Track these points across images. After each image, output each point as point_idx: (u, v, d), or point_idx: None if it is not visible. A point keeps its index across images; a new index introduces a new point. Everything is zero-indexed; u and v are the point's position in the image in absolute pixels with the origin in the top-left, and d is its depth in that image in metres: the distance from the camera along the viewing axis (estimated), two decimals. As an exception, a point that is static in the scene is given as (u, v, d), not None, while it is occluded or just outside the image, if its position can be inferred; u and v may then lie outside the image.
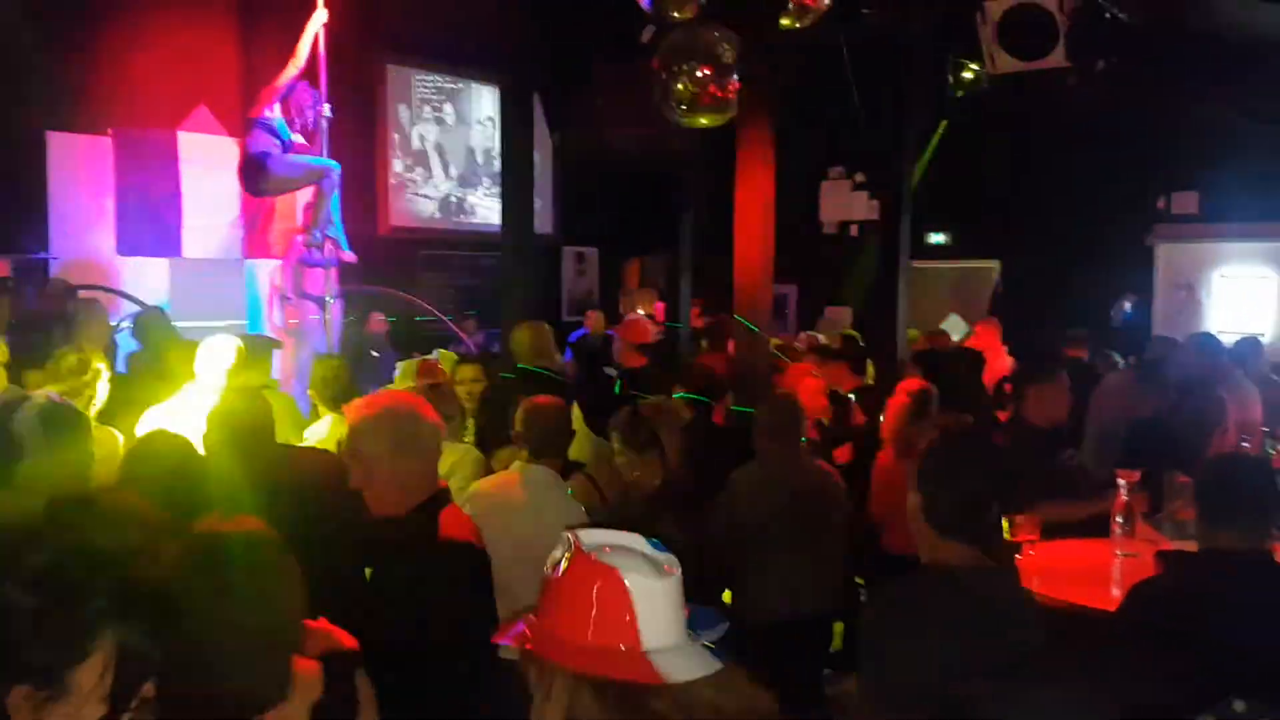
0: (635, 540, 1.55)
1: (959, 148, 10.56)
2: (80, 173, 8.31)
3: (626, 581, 1.46)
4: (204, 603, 1.79)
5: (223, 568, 1.86)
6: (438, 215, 12.35)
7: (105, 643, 1.32)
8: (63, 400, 3.44)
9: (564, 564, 1.50)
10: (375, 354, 9.42)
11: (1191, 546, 4.03)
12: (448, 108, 12.44)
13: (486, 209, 12.52)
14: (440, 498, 2.81)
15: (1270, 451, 5.84)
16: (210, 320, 7.66)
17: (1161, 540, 4.48)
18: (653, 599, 1.47)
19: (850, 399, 6.24)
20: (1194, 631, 2.71)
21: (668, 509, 3.64)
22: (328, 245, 8.62)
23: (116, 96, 8.42)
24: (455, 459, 4.41)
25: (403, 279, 10.98)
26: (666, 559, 1.53)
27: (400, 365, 5.14)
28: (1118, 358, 8.05)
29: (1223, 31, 7.58)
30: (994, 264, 12.21)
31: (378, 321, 9.99)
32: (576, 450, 4.43)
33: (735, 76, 5.71)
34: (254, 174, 7.86)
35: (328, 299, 8.56)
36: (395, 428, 2.72)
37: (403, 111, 11.91)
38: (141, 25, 8.63)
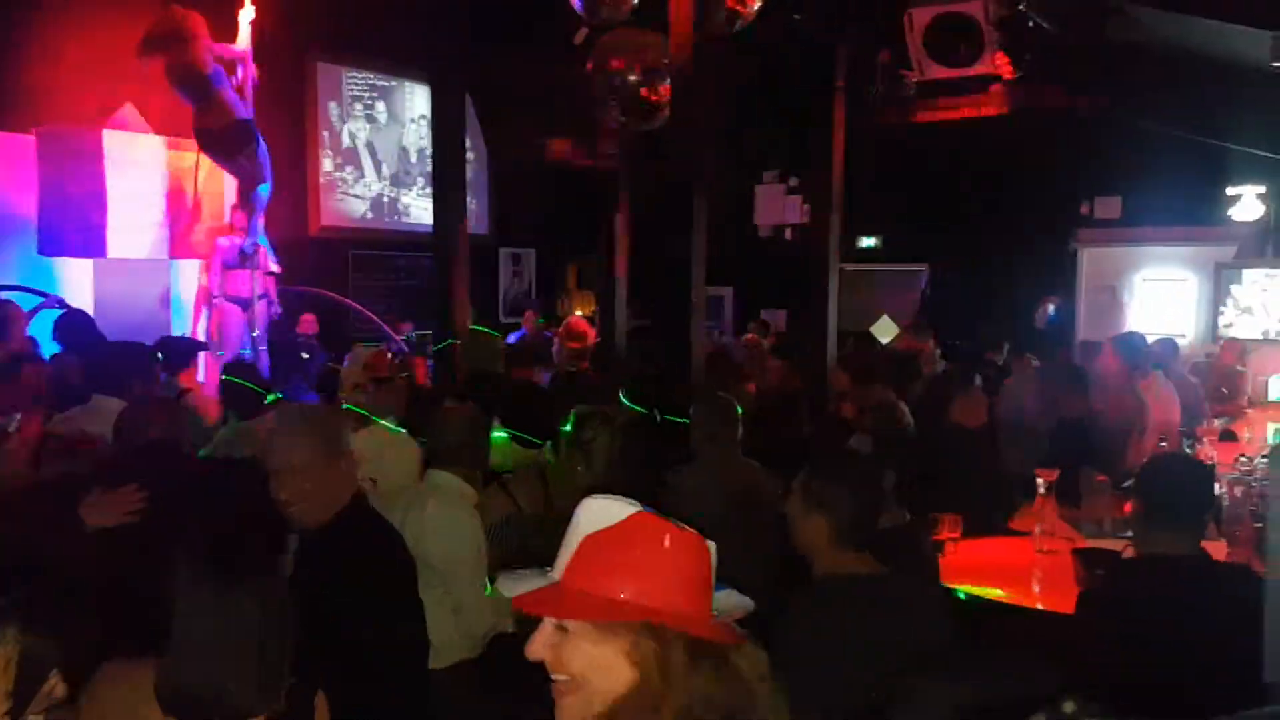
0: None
1: (888, 153, 10.69)
2: (3, 172, 8.12)
3: (711, 552, 1.47)
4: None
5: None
6: (369, 215, 12.19)
7: (7, 641, 1.30)
8: None
9: (624, 530, 1.44)
10: (305, 355, 9.31)
11: (1108, 544, 4.17)
12: (380, 105, 12.28)
13: (420, 209, 12.42)
14: (359, 501, 2.79)
15: (1187, 452, 6.01)
16: (135, 322, 7.54)
17: (1078, 538, 4.60)
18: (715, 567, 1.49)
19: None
20: (1147, 637, 2.76)
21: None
22: (259, 255, 8.56)
23: (40, 94, 8.22)
24: (397, 452, 4.43)
25: (333, 279, 10.88)
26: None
27: (352, 352, 5.08)
28: (1035, 361, 8.21)
29: (1141, 42, 7.77)
30: (922, 268, 12.41)
31: (308, 322, 9.88)
32: (502, 457, 4.42)
33: (667, 79, 5.74)
34: (243, 139, 7.82)
35: (254, 300, 8.46)
36: (324, 434, 2.70)
37: (333, 109, 11.73)
38: (66, 23, 8.43)
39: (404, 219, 12.58)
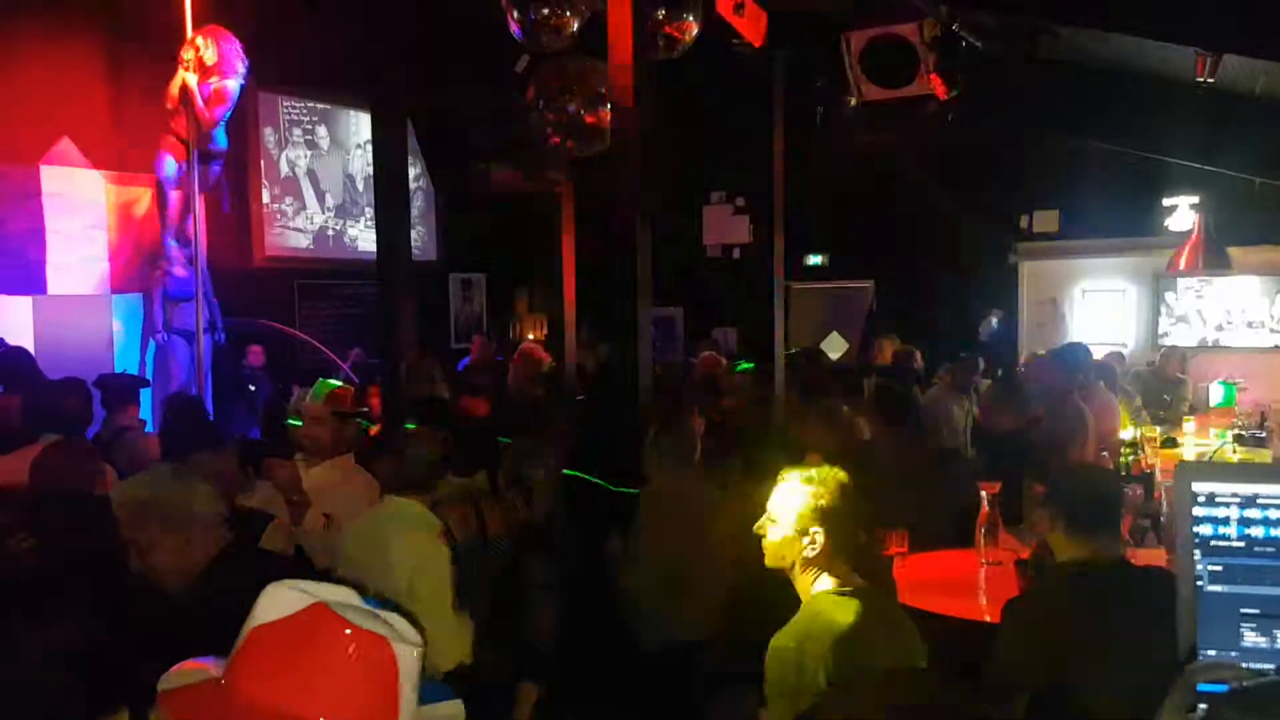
0: (351, 595, 1.34)
1: (832, 172, 10.83)
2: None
3: (396, 653, 1.27)
4: None
5: None
6: (313, 244, 12.03)
7: None
8: None
9: (301, 623, 1.26)
10: (252, 387, 9.23)
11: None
12: (321, 130, 12.11)
13: (367, 236, 12.34)
14: (228, 553, 2.81)
15: (1126, 461, 6.13)
16: (77, 358, 7.42)
17: (1022, 549, 4.66)
18: (411, 672, 1.28)
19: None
20: (1068, 643, 2.80)
21: (532, 549, 3.62)
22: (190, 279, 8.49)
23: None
24: (351, 486, 4.41)
25: (280, 309, 10.78)
26: (395, 618, 1.33)
27: (314, 387, 5.05)
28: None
29: (1073, 59, 7.95)
30: (868, 284, 12.55)
31: (255, 354, 9.79)
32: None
33: (608, 104, 5.78)
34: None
35: (200, 333, 8.36)
36: (160, 510, 2.74)
37: (269, 136, 11.52)
38: (1, 57, 8.34)
39: (349, 246, 12.47)
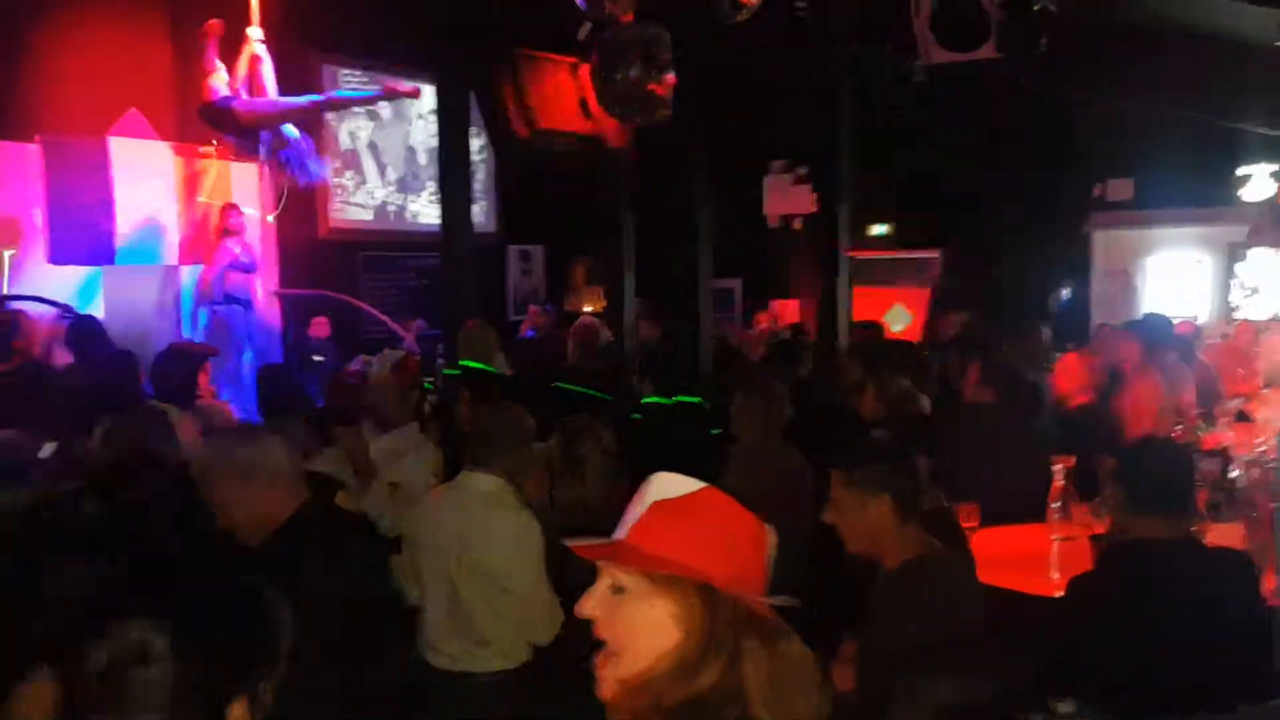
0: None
1: (897, 140, 10.64)
2: (8, 181, 8.14)
3: (769, 533, 1.52)
4: None
5: None
6: (374, 218, 12.10)
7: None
8: None
9: (691, 502, 1.49)
10: (317, 358, 9.33)
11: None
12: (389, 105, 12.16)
13: (427, 211, 12.39)
14: (307, 509, 2.82)
15: (1200, 435, 5.96)
16: (145, 329, 7.55)
17: (1097, 525, 4.55)
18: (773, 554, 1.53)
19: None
20: (1134, 622, 2.74)
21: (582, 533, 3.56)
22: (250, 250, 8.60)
23: (44, 103, 8.25)
24: (417, 455, 4.43)
25: (343, 282, 10.87)
26: None
27: (380, 355, 5.10)
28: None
29: (1149, 21, 7.71)
30: (934, 255, 12.34)
31: (320, 325, 9.88)
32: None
33: (671, 73, 5.71)
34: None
35: (254, 301, 8.48)
36: (235, 465, 2.75)
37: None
38: (69, 30, 8.46)
39: (411, 218, 12.53)
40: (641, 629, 1.45)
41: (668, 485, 1.51)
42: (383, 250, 11.96)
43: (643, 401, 5.60)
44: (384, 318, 10.51)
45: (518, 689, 3.35)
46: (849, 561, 2.84)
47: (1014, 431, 5.08)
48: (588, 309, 13.10)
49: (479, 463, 3.50)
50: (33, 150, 8.05)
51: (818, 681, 1.48)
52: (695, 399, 5.15)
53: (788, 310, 12.10)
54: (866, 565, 2.87)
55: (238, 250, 8.74)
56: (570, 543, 1.54)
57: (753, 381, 5.00)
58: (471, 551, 3.31)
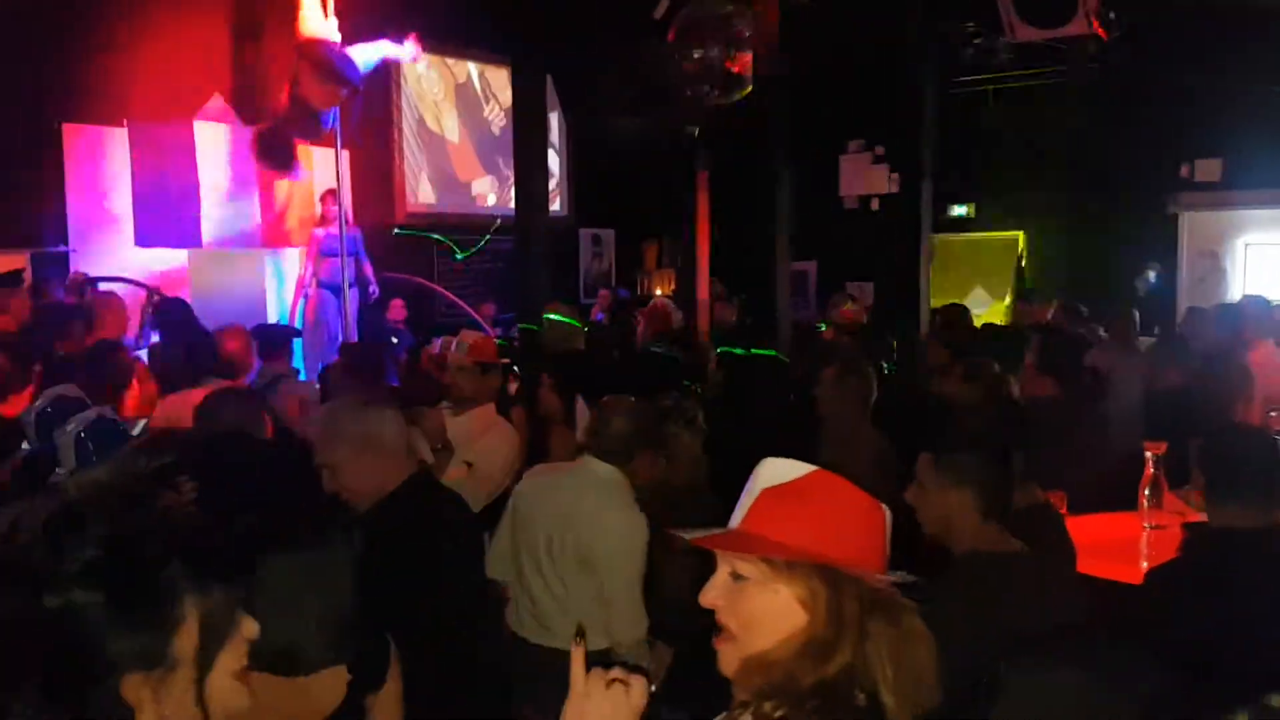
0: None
1: (979, 118, 10.44)
2: (97, 165, 8.32)
3: (885, 514, 1.51)
4: None
5: None
6: (443, 200, 12.20)
7: (191, 606, 1.30)
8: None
9: (803, 486, 1.48)
10: (395, 340, 9.44)
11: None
12: (453, 85, 12.21)
13: (496, 192, 12.46)
14: (416, 480, 2.92)
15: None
16: (230, 311, 7.67)
17: (1189, 512, 4.42)
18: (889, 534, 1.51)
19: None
20: (1213, 615, 2.66)
21: (669, 513, 3.55)
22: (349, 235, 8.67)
23: (131, 87, 8.42)
24: (494, 436, 4.46)
25: (418, 265, 10.98)
26: None
27: (460, 336, 5.14)
28: (1102, 332, 7.90)
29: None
30: (1017, 235, 12.09)
31: (396, 308, 10.00)
32: (582, 432, 4.38)
33: (749, 49, 5.64)
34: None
35: (346, 287, 8.56)
36: (352, 436, 2.85)
37: (413, 95, 11.74)
38: (155, 16, 8.63)
39: (484, 203, 12.62)
40: (766, 615, 1.45)
41: (777, 471, 1.50)
42: (456, 234, 12.06)
43: (719, 351, 5.56)
44: (458, 301, 10.61)
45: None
46: (927, 545, 2.79)
47: (1080, 418, 4.95)
48: (658, 292, 13.09)
49: (597, 452, 3.51)
50: (120, 134, 8.23)
51: (935, 662, 1.46)
52: (771, 352, 5.10)
53: (864, 293, 11.95)
54: (940, 551, 2.81)
55: (329, 235, 8.85)
56: (687, 534, 1.51)
57: (844, 361, 4.93)
58: (578, 536, 3.34)
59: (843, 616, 1.42)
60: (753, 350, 5.20)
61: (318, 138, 8.19)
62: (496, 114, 12.54)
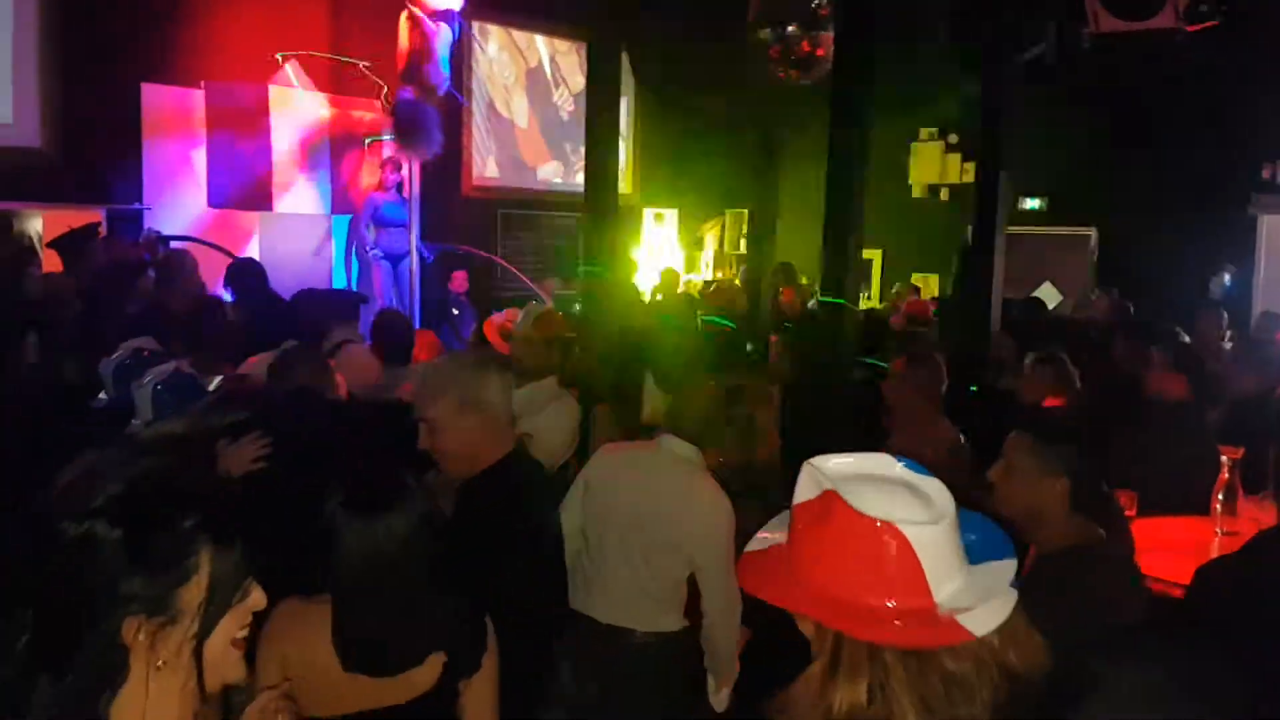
0: (886, 464, 1.39)
1: (1056, 111, 10.22)
2: (174, 125, 8.44)
3: (908, 536, 1.29)
4: None
5: None
6: (507, 174, 12.24)
7: (204, 560, 1.30)
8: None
9: (817, 509, 1.34)
10: (456, 311, 9.49)
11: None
12: (522, 60, 12.25)
13: (567, 177, 12.46)
14: (515, 457, 2.76)
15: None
16: (297, 275, 7.75)
17: (1265, 518, 4.31)
18: (936, 547, 1.30)
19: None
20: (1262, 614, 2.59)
21: (744, 494, 3.53)
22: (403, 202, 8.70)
23: (207, 49, 8.52)
24: (557, 408, 4.46)
25: (482, 238, 11.02)
26: (930, 484, 1.36)
27: (525, 309, 5.14)
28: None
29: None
30: (1089, 232, 11.85)
31: (459, 279, 10.04)
32: (651, 411, 4.37)
33: (830, 29, 5.56)
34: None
35: (405, 256, 8.62)
36: (459, 389, 2.68)
37: (484, 68, 11.77)
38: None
39: (550, 178, 12.63)
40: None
41: (803, 484, 1.38)
42: (520, 209, 12.08)
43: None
44: (520, 274, 10.63)
45: (671, 651, 3.36)
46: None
47: (1196, 420, 4.86)
48: (718, 275, 13.03)
49: (675, 431, 3.48)
50: (198, 96, 8.33)
51: (986, 686, 1.31)
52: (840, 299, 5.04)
53: (927, 285, 11.80)
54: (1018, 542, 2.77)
55: (387, 202, 8.90)
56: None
57: (914, 352, 4.87)
58: (665, 516, 3.31)
59: (839, 656, 1.31)
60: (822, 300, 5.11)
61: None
62: (566, 99, 12.53)
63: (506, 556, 2.58)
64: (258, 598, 1.39)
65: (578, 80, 12.11)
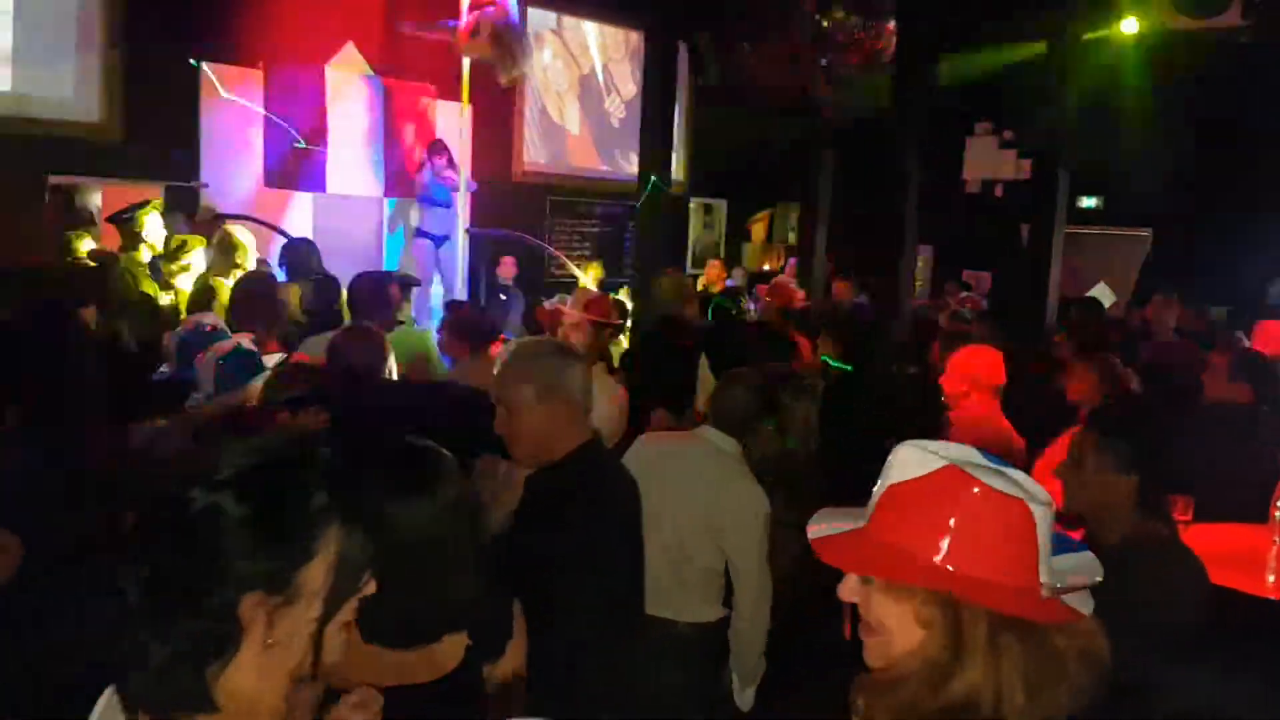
0: (971, 453, 1.37)
1: (1115, 108, 10.05)
2: (232, 103, 8.53)
3: (1033, 512, 1.30)
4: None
5: None
6: (555, 161, 12.22)
7: (329, 541, 1.30)
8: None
9: (937, 484, 1.32)
10: (503, 296, 9.52)
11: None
12: (574, 47, 12.24)
13: (620, 156, 12.44)
14: (590, 448, 2.68)
15: None
16: (350, 256, 7.81)
17: (1325, 528, 4.23)
18: (1049, 528, 1.31)
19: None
20: None
21: (780, 486, 3.52)
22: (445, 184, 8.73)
23: (269, 30, 8.59)
24: (601, 396, 4.46)
25: (531, 224, 11.03)
26: (1017, 474, 1.35)
27: (577, 293, 5.17)
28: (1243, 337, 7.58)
29: None
30: (1145, 232, 11.65)
31: (507, 265, 10.06)
32: (706, 399, 4.36)
33: (891, 20, 5.50)
34: None
35: (448, 238, 8.65)
36: (538, 374, 2.61)
37: (539, 85, 11.72)
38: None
39: (601, 166, 12.62)
40: (890, 620, 1.34)
41: (909, 461, 1.35)
42: (570, 196, 12.09)
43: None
44: (568, 261, 10.64)
45: (712, 641, 3.37)
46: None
47: (1257, 426, 4.78)
48: (765, 268, 12.96)
49: (715, 422, 3.51)
50: (256, 75, 8.41)
51: (1078, 672, 1.31)
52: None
53: (980, 283, 11.67)
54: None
55: (433, 186, 8.93)
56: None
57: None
58: (705, 506, 3.33)
59: (963, 638, 1.28)
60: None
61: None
62: (617, 106, 12.51)
63: (570, 547, 2.49)
64: (370, 585, 1.38)
65: (629, 88, 12.13)
